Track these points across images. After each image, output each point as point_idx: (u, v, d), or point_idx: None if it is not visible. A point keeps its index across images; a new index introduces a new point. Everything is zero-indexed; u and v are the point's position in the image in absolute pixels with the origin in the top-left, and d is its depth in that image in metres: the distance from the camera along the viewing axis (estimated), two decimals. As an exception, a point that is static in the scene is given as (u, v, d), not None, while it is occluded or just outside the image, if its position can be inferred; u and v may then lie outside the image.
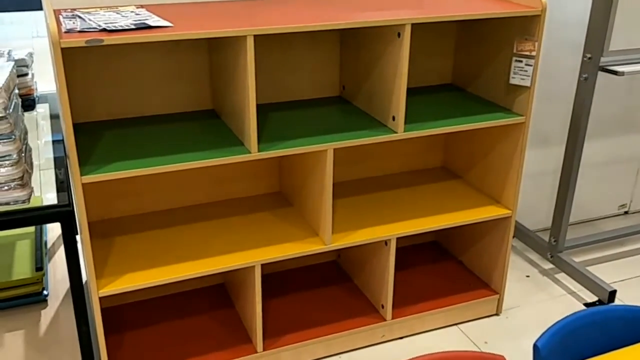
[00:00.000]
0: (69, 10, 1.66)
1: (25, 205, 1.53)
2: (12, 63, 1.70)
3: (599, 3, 2.04)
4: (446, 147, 2.34)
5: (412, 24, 1.70)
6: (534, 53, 1.84)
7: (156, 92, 1.90)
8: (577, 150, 2.22)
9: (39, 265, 2.08)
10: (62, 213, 1.54)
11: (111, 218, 1.97)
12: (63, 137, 1.85)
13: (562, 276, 2.44)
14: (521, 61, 1.87)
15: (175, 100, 1.93)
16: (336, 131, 1.79)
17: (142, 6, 1.74)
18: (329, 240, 1.83)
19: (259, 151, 1.65)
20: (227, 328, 1.99)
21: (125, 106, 1.88)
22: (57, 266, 2.37)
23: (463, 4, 1.86)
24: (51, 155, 1.84)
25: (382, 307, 2.04)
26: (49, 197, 1.59)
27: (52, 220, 1.55)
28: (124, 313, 2.04)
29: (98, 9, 1.66)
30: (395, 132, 1.78)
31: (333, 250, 1.85)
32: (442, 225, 1.96)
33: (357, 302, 2.12)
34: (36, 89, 2.21)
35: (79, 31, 1.43)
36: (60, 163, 1.79)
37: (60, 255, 2.43)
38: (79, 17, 1.57)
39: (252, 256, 1.78)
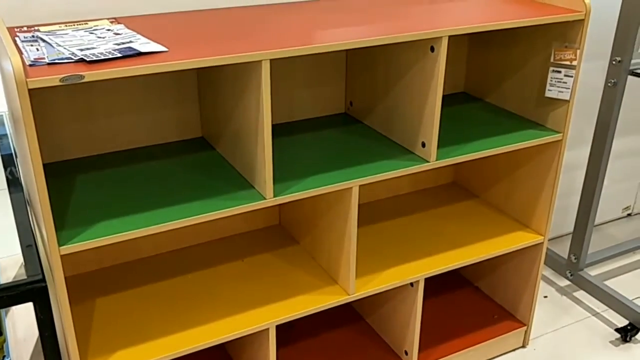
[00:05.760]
0: (26, 29, 1.31)
1: (-14, 285, 1.19)
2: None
3: (630, 1, 1.83)
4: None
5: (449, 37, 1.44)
6: (575, 62, 1.61)
7: (134, 121, 1.57)
8: (603, 165, 2.02)
9: (-3, 331, 1.73)
10: (34, 291, 1.21)
11: (82, 273, 1.64)
12: (22, 186, 1.51)
13: (581, 294, 2.25)
14: (559, 72, 1.64)
15: (157, 128, 1.60)
16: (357, 162, 1.51)
17: (116, 20, 1.40)
18: (352, 289, 1.56)
19: (274, 196, 1.36)
20: (230, 391, 1.70)
21: (98, 140, 1.55)
22: (16, 320, 2.01)
23: (487, 8, 1.61)
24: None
25: (406, 353, 1.79)
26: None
27: (22, 301, 1.22)
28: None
29: (63, 26, 1.32)
30: (427, 162, 1.52)
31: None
32: (474, 259, 1.72)
33: (374, 347, 1.86)
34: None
35: (49, 63, 1.09)
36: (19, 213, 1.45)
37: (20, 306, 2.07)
38: (42, 39, 1.22)
39: (264, 316, 1.50)
